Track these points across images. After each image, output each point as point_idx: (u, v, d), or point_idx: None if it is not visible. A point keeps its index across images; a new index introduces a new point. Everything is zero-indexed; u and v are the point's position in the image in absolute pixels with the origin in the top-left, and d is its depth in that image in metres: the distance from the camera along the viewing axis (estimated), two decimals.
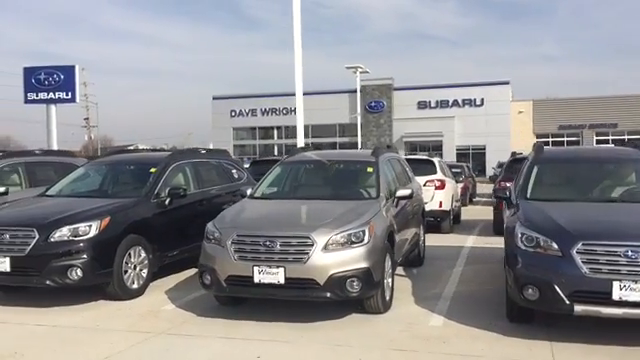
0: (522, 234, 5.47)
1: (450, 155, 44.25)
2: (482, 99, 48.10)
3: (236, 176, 9.85)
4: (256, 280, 5.73)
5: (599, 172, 6.98)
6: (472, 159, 45.99)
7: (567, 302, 5.02)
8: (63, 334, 5.77)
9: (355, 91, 44.74)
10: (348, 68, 41.55)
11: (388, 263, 6.34)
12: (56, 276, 6.47)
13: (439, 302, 6.75)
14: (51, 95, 24.44)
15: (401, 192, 7.20)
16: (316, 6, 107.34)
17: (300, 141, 14.55)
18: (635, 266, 4.92)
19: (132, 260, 7.07)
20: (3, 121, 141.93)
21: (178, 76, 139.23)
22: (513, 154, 14.02)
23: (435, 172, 13.06)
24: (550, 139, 45.58)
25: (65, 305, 6.74)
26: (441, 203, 12.63)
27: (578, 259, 5.04)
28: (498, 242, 10.56)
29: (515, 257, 5.44)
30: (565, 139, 46.54)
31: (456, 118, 48.48)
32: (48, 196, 8.04)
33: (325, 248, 5.70)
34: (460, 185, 17.35)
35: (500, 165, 28.89)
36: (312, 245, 5.69)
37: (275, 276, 5.68)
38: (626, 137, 45.59)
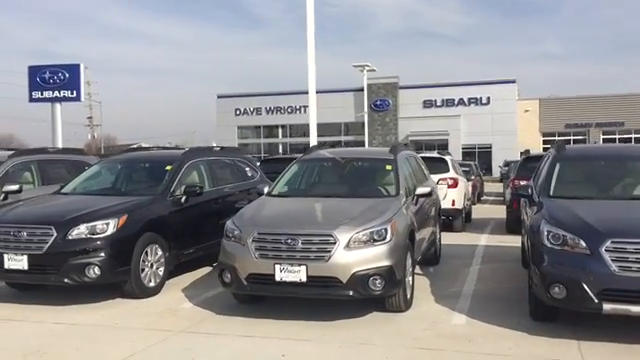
0: (548, 232, 5.40)
1: (456, 154, 43.78)
2: (488, 98, 47.85)
3: (250, 174, 9.81)
4: (277, 278, 5.68)
5: (622, 169, 6.91)
6: (478, 158, 45.72)
7: (596, 301, 4.96)
8: (83, 332, 5.73)
9: (360, 89, 44.57)
10: (355, 66, 41.50)
11: (409, 261, 6.29)
12: (74, 274, 6.43)
13: (459, 300, 6.69)
14: (56, 94, 24.30)
15: (421, 190, 7.13)
16: (322, 5, 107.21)
17: (313, 139, 14.47)
18: None
19: (149, 258, 7.02)
20: (6, 119, 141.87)
21: (180, 75, 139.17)
22: (526, 152, 13.94)
23: (448, 170, 12.97)
24: (556, 138, 45.36)
25: (82, 303, 6.70)
26: (454, 201, 12.53)
27: (607, 257, 4.98)
28: (512, 241, 10.54)
29: (541, 255, 5.38)
30: (572, 138, 46.28)
31: (462, 117, 48.24)
32: (63, 194, 7.99)
33: (347, 246, 5.65)
34: (469, 184, 17.26)
35: (507, 164, 28.74)
36: (334, 243, 5.64)
37: (297, 274, 5.63)
38: (633, 136, 45.47)
